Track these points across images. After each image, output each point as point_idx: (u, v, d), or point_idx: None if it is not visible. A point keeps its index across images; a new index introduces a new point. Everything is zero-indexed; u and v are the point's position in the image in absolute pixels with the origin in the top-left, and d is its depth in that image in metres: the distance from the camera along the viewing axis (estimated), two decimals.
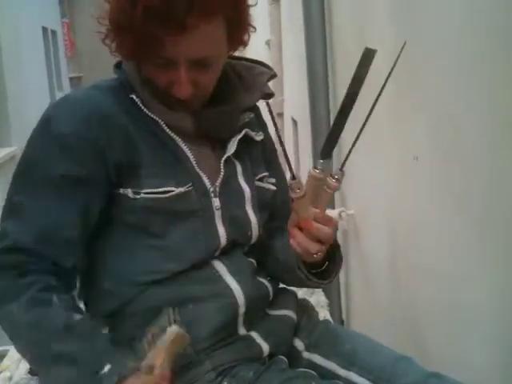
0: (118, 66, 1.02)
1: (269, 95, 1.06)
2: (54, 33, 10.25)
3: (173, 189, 0.94)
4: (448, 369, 0.98)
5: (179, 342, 0.83)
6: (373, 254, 1.91)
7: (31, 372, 1.62)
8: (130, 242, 0.96)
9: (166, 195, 0.93)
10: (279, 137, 0.91)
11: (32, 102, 7.59)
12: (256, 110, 1.09)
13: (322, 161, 0.85)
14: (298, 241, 0.89)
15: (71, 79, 11.33)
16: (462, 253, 1.16)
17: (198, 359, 0.93)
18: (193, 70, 0.91)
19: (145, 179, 0.93)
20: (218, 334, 0.95)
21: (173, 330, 0.82)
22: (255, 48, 4.17)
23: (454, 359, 1.22)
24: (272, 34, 3.40)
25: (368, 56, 0.83)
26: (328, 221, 0.91)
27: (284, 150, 0.88)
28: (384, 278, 1.77)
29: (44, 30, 9.40)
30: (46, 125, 0.93)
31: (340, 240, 2.26)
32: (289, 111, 3.45)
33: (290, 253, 0.96)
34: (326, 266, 1.00)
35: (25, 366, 1.66)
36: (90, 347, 0.85)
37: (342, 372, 0.99)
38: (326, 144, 0.87)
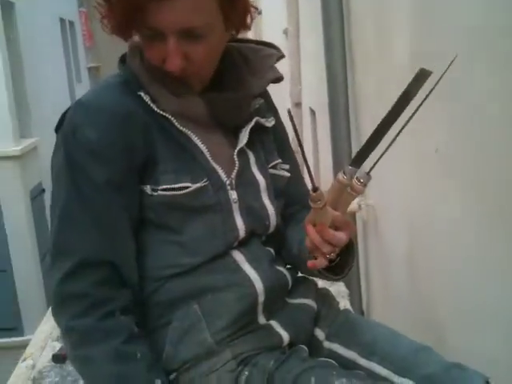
0: (122, 60, 1.01)
1: (278, 79, 1.04)
2: (71, 24, 10.29)
3: (189, 185, 0.93)
4: (467, 360, 0.98)
5: None
6: (392, 244, 1.90)
7: (54, 360, 1.65)
8: (150, 237, 0.96)
9: (183, 191, 0.93)
10: (300, 146, 0.86)
11: (51, 93, 7.67)
12: (265, 94, 1.08)
13: (350, 167, 0.84)
14: (311, 239, 0.87)
15: (89, 69, 11.38)
16: (483, 243, 1.15)
17: (218, 348, 0.93)
18: (183, 42, 0.88)
19: (161, 175, 0.93)
20: (238, 323, 0.95)
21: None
22: (272, 37, 4.16)
23: (473, 351, 1.22)
24: (289, 23, 3.37)
25: (422, 77, 0.79)
26: (346, 224, 0.89)
27: (306, 161, 0.85)
28: (403, 268, 1.76)
29: (62, 21, 9.45)
30: (71, 134, 0.92)
31: (359, 230, 2.28)
32: (307, 101, 3.43)
33: (304, 245, 0.96)
34: (338, 260, 0.99)
35: (48, 353, 1.69)
36: None
37: (362, 362, 0.99)
38: (359, 154, 0.85)
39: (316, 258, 0.92)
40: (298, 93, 3.47)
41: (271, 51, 1.04)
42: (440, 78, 0.81)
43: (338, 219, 0.87)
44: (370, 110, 2.03)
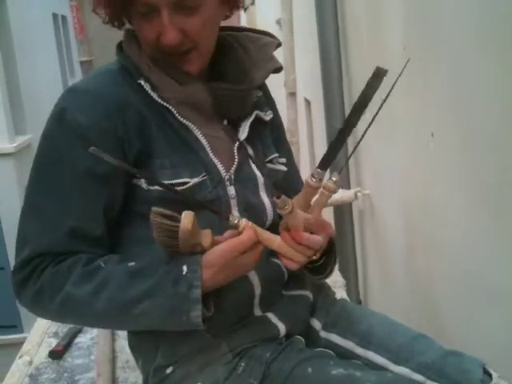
0: (119, 47, 0.98)
1: (278, 69, 1.03)
2: (64, 18, 10.23)
3: (187, 180, 0.91)
4: (465, 347, 0.98)
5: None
6: (389, 233, 1.90)
7: (51, 356, 1.64)
8: (146, 231, 0.92)
9: (181, 188, 0.91)
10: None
11: (45, 89, 7.63)
12: (264, 86, 1.07)
13: (319, 170, 0.85)
14: (288, 244, 0.85)
15: (82, 63, 11.31)
16: (479, 229, 1.15)
17: (214, 341, 0.93)
18: (176, 16, 0.87)
19: (159, 170, 0.91)
20: (234, 316, 0.95)
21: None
22: (266, 27, 4.14)
23: (471, 338, 1.22)
24: (283, 12, 3.35)
25: (378, 76, 0.80)
26: (322, 226, 0.89)
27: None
28: (400, 257, 1.76)
29: (54, 16, 9.40)
30: (61, 116, 0.89)
31: (356, 220, 2.27)
32: (301, 91, 3.42)
33: None
34: (322, 262, 0.97)
35: (44, 350, 1.68)
36: (161, 273, 0.84)
37: (359, 351, 0.98)
38: (326, 156, 0.85)
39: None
40: (292, 82, 3.45)
41: (269, 39, 1.03)
42: (396, 79, 0.80)
43: (311, 222, 0.86)
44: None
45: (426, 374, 0.91)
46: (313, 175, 0.85)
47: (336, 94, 2.25)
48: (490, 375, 0.90)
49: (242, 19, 6.73)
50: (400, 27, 1.53)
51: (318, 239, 0.86)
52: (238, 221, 0.84)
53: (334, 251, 0.98)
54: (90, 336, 1.75)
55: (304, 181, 0.87)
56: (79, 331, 1.77)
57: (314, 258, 0.88)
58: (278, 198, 0.81)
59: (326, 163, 0.85)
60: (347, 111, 2.23)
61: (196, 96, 0.94)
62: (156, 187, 0.90)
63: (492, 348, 1.10)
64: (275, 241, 0.86)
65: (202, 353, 0.93)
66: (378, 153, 1.81)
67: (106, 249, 0.92)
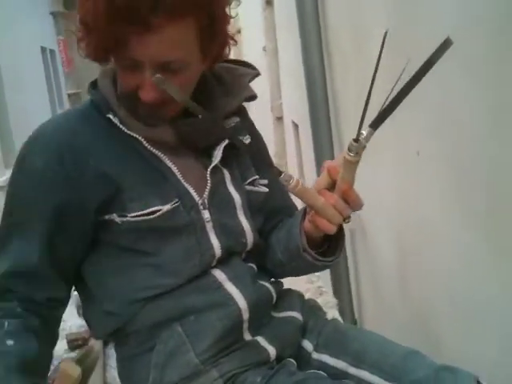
0: (93, 85, 1.00)
1: (252, 97, 1.04)
2: (52, 52, 10.30)
3: (159, 208, 0.92)
4: (460, 362, 0.98)
5: None
6: (380, 252, 1.90)
7: None
8: (124, 262, 0.95)
9: (153, 216, 0.91)
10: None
11: (35, 121, 7.56)
12: (242, 112, 1.07)
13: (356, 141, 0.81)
14: (333, 201, 0.86)
15: (69, 96, 11.33)
16: (469, 247, 1.15)
17: (204, 368, 0.92)
18: (160, 74, 0.86)
19: (129, 203, 0.91)
20: (223, 342, 0.94)
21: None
22: (252, 54, 4.18)
23: (464, 354, 1.21)
24: (267, 40, 3.40)
25: (446, 45, 0.79)
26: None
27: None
28: (393, 275, 1.76)
29: (43, 49, 9.47)
30: (22, 163, 0.94)
31: (347, 240, 2.26)
32: (289, 115, 3.45)
33: (293, 236, 0.96)
34: (328, 245, 0.98)
35: None
36: None
37: (352, 370, 0.98)
38: (379, 117, 0.81)
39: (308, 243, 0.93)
40: (278, 107, 3.48)
41: (247, 70, 1.05)
42: (380, 54, 0.81)
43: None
44: (352, 119, 2.03)
45: None
46: (349, 149, 0.82)
47: (322, 117, 2.27)
48: None
49: None
50: (385, 53, 1.55)
51: (361, 198, 0.88)
52: (289, 180, 0.83)
53: (343, 232, 0.99)
54: None
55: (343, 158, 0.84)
56: None
57: (346, 222, 0.90)
58: (280, 174, 0.81)
59: (376, 124, 0.81)
60: (334, 133, 2.25)
61: (162, 135, 0.95)
62: (129, 219, 0.91)
63: (485, 365, 1.10)
64: (320, 199, 0.86)
65: (192, 380, 0.92)
66: (366, 172, 1.82)
67: (51, 289, 0.94)
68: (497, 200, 1.00)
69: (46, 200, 0.91)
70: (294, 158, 3.41)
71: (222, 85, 1.02)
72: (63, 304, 0.99)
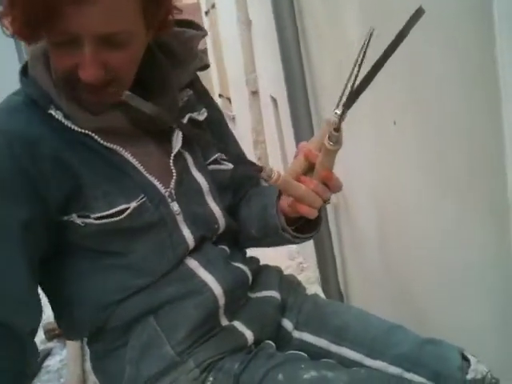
0: (23, 72, 0.87)
1: (204, 66, 0.97)
2: None
3: (124, 207, 0.85)
4: (444, 334, 0.96)
5: None
6: (363, 224, 1.88)
7: None
8: (91, 266, 0.88)
9: (120, 217, 0.84)
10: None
11: None
12: (195, 84, 0.99)
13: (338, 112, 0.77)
14: (313, 187, 0.83)
15: None
16: (448, 214, 1.13)
17: (180, 359, 0.88)
18: (101, 50, 0.78)
19: (91, 203, 0.84)
20: (199, 330, 0.90)
21: None
22: (228, 28, 4.10)
23: (449, 324, 1.20)
24: (238, 12, 3.31)
25: (418, 14, 0.75)
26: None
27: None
28: (375, 247, 1.75)
29: None
30: None
31: (331, 215, 2.25)
32: (267, 89, 3.39)
33: (271, 216, 0.92)
34: (305, 219, 0.94)
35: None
36: None
37: (334, 348, 0.95)
38: (351, 95, 0.76)
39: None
40: (253, 81, 3.39)
41: (192, 33, 0.96)
42: (364, 51, 0.76)
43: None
44: (330, 92, 2.00)
45: (402, 366, 0.89)
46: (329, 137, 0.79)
47: (299, 91, 2.22)
48: (468, 361, 0.89)
49: (205, 24, 6.69)
50: (358, 19, 1.51)
51: (340, 180, 0.85)
52: (271, 174, 0.79)
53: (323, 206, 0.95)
54: (59, 358, 1.69)
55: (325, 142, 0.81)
56: (48, 354, 1.72)
57: (326, 203, 0.87)
58: (261, 171, 0.77)
59: (349, 104, 0.76)
60: (312, 108, 2.21)
61: (112, 123, 0.86)
62: (93, 221, 0.83)
63: (470, 334, 1.09)
64: (301, 187, 0.83)
65: (168, 372, 0.88)
66: (344, 145, 1.79)
67: (30, 316, 0.86)
68: (475, 167, 0.97)
69: (9, 216, 0.80)
70: (275, 134, 3.37)
71: (170, 56, 0.93)
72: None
